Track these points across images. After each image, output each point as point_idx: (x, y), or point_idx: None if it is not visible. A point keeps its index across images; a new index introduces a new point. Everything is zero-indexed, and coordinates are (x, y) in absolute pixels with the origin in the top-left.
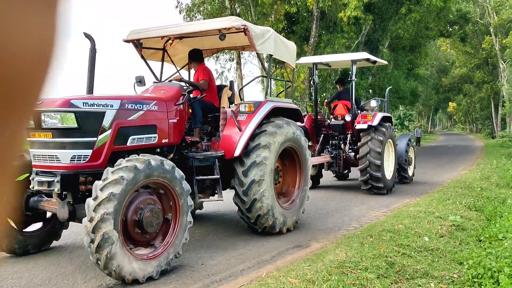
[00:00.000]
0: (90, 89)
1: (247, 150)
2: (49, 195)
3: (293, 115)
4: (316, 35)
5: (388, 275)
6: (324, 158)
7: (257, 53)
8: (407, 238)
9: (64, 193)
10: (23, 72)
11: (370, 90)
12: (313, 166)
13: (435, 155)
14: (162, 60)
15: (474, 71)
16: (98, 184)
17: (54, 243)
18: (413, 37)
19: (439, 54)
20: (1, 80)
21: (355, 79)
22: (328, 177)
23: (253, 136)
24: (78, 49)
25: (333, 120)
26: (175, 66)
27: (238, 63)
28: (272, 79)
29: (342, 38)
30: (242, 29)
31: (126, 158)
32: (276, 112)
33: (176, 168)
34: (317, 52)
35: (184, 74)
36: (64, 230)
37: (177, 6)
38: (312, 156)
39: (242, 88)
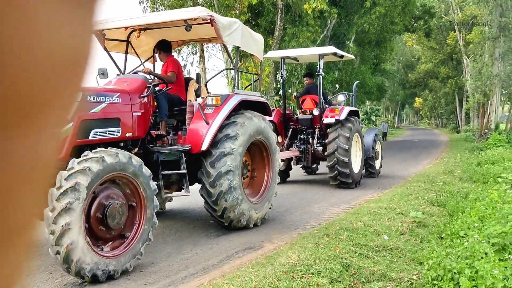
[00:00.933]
0: None
1: (215, 141)
2: None
3: (262, 108)
4: (281, 28)
5: (342, 279)
6: (293, 152)
7: (223, 45)
8: (365, 237)
9: None
10: (57, 77)
11: (337, 85)
12: (282, 160)
13: (401, 149)
14: (126, 52)
15: (439, 66)
16: (63, 173)
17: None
18: (378, 32)
19: (406, 50)
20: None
21: (323, 73)
22: (298, 171)
23: (221, 127)
24: None
25: (301, 114)
26: (139, 58)
27: (202, 56)
28: (239, 72)
29: (307, 32)
30: (209, 20)
31: (94, 150)
32: (244, 106)
33: (144, 166)
34: (282, 45)
35: (148, 66)
36: None
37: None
38: (281, 150)
39: (208, 81)
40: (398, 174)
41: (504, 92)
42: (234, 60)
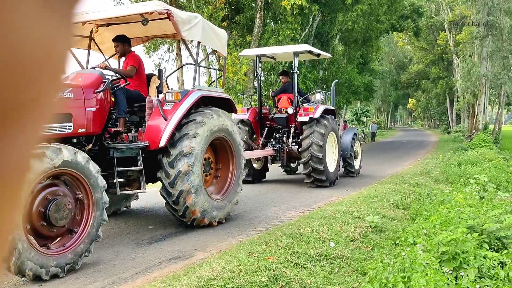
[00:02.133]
0: None
1: (174, 140)
2: None
3: (225, 105)
4: (260, 25)
5: None
6: (267, 151)
7: (183, 40)
8: (308, 244)
9: None
10: (34, 77)
11: (323, 85)
12: (258, 160)
13: (387, 150)
14: (89, 48)
15: (430, 67)
16: None
17: None
18: (363, 31)
19: (398, 51)
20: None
21: (298, 71)
22: (277, 171)
23: (180, 126)
24: None
25: (277, 113)
26: (103, 55)
27: (178, 54)
28: (200, 67)
29: (287, 29)
30: (166, 14)
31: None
32: (207, 102)
33: (91, 161)
34: (261, 43)
35: (113, 63)
36: None
37: None
38: (256, 149)
39: (167, 77)
40: (376, 175)
41: (494, 93)
42: (195, 55)
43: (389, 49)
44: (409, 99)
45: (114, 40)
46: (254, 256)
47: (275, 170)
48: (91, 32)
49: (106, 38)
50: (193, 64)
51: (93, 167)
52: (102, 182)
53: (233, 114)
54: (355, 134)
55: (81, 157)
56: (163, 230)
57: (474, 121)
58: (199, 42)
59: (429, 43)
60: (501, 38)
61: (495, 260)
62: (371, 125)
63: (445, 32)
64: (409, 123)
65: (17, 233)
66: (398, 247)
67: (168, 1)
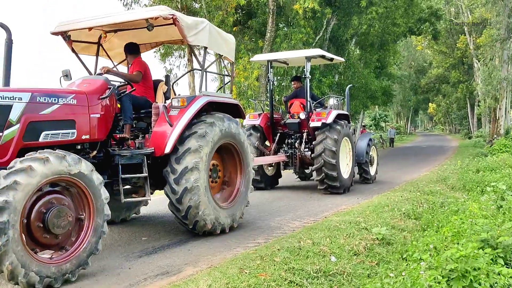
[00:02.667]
0: (6, 82)
1: (182, 138)
2: None
3: (234, 110)
4: (273, 30)
5: None
6: (279, 157)
7: (190, 46)
8: (306, 259)
9: None
10: None
11: (339, 90)
12: (271, 166)
13: (405, 155)
14: (97, 55)
15: (450, 71)
16: (3, 172)
17: None
18: (380, 34)
19: (417, 55)
20: None
21: (310, 76)
22: (291, 177)
23: (188, 126)
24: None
25: (289, 118)
26: (112, 61)
27: (190, 60)
28: (207, 73)
29: (299, 33)
30: (171, 19)
31: (40, 150)
32: (216, 108)
33: (96, 172)
34: (273, 47)
35: (123, 69)
36: None
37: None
38: (268, 155)
39: (174, 82)
40: (392, 181)
41: None
42: (201, 61)
43: (408, 53)
44: (430, 104)
45: (126, 50)
46: (246, 273)
47: (289, 176)
48: (99, 38)
49: (114, 45)
50: (200, 70)
51: (97, 177)
52: (105, 193)
53: (244, 119)
54: (370, 139)
55: (86, 166)
56: (156, 241)
57: (495, 126)
58: (205, 48)
59: (448, 47)
60: None
61: (511, 277)
62: (389, 130)
63: (465, 35)
64: (430, 128)
65: (12, 236)
66: (405, 262)
67: (179, 7)
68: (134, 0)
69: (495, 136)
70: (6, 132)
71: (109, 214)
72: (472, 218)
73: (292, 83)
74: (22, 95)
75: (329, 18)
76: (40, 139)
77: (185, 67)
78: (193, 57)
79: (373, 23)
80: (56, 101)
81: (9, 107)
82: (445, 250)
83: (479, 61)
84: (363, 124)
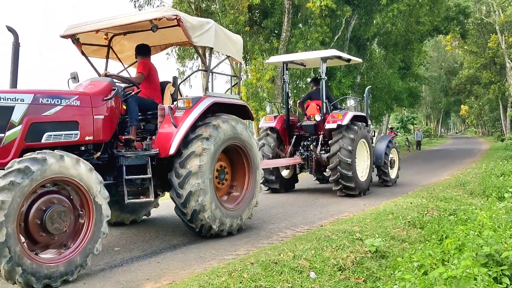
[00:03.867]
0: (13, 84)
1: (186, 141)
2: None
3: (241, 112)
4: (288, 30)
5: None
6: (294, 159)
7: (195, 47)
8: (280, 275)
9: None
10: None
11: (360, 91)
12: (287, 168)
13: (430, 159)
14: (107, 57)
15: (481, 71)
16: (0, 173)
17: None
18: (403, 33)
19: (447, 56)
20: None
21: (325, 77)
22: (309, 179)
23: (193, 128)
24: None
25: (306, 120)
26: (122, 64)
27: (203, 62)
28: (213, 73)
29: (315, 32)
30: (175, 20)
31: (38, 151)
32: (222, 109)
33: (95, 171)
34: (289, 47)
35: (133, 71)
36: None
37: (132, 1)
38: (284, 158)
39: (180, 84)
40: (411, 184)
41: None
42: (207, 62)
43: (438, 54)
44: (462, 106)
45: (136, 52)
46: None
47: (307, 179)
48: (109, 41)
49: (124, 47)
50: (205, 71)
51: (96, 177)
52: (105, 193)
53: (260, 121)
54: (390, 141)
55: (84, 165)
56: (127, 253)
57: None
58: (211, 48)
59: (479, 46)
60: None
61: None
62: (416, 132)
63: (496, 34)
64: (462, 130)
65: (8, 236)
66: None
67: (192, 7)
68: (146, 2)
69: None
70: (8, 133)
71: (108, 215)
72: (479, 228)
73: (312, 84)
74: (25, 97)
75: (348, 16)
76: (43, 140)
77: (198, 68)
78: (199, 57)
79: (396, 21)
80: (59, 103)
81: (12, 108)
82: (433, 268)
83: (511, 61)
84: (390, 126)
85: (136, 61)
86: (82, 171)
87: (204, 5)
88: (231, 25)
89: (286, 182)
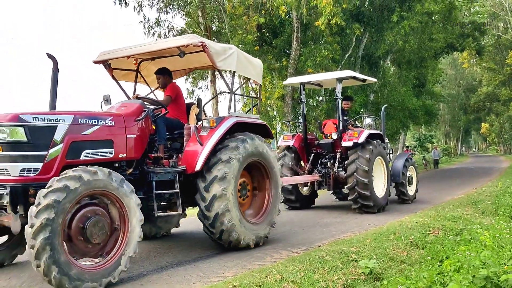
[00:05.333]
0: (52, 106)
1: (209, 165)
2: (6, 209)
3: (262, 131)
4: (297, 48)
5: None
6: (312, 177)
7: (218, 71)
8: None
9: (14, 206)
10: None
11: (373, 108)
12: (306, 185)
13: (448, 177)
14: (135, 81)
15: (500, 88)
16: (42, 191)
17: (19, 258)
18: (416, 50)
19: (465, 73)
20: None
21: (341, 97)
22: (330, 197)
23: (215, 151)
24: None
25: (323, 139)
26: (149, 87)
27: (212, 81)
28: (236, 95)
29: (325, 50)
30: (200, 46)
31: (74, 169)
32: (243, 129)
33: (126, 181)
34: (298, 66)
35: (159, 94)
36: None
37: (142, 22)
38: (302, 175)
39: (204, 105)
40: (429, 201)
41: None
42: (230, 84)
43: (456, 71)
44: (482, 124)
45: (156, 73)
46: None
47: (326, 197)
48: (138, 66)
49: (151, 71)
50: (229, 93)
51: (127, 186)
52: (137, 200)
53: (279, 140)
54: (407, 159)
55: (116, 177)
56: None
57: None
58: (234, 72)
59: (497, 63)
60: None
61: None
62: (433, 151)
63: None
64: (484, 148)
65: (56, 250)
66: None
67: (202, 28)
68: (156, 23)
69: None
70: (51, 150)
71: (142, 219)
72: (480, 249)
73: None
74: (66, 118)
75: (359, 34)
76: (81, 157)
77: (207, 88)
78: (223, 80)
79: (408, 38)
80: (96, 123)
81: (54, 128)
82: None
83: None
84: (406, 145)
85: (162, 86)
86: (114, 183)
87: (214, 27)
88: (240, 45)
89: (305, 199)
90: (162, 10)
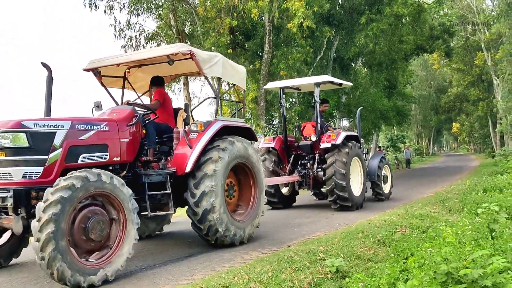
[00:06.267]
0: (47, 113)
1: (198, 164)
2: (7, 212)
3: (247, 134)
4: (270, 51)
5: None
6: (292, 177)
7: (205, 77)
8: None
9: (16, 208)
10: None
11: (345, 110)
12: (286, 185)
13: (418, 177)
14: (123, 87)
15: (469, 88)
16: (50, 189)
17: (14, 260)
18: (386, 52)
19: (436, 74)
20: None
21: (319, 101)
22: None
23: (204, 152)
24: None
25: (302, 141)
26: (136, 93)
27: (185, 83)
28: (221, 100)
29: (297, 53)
30: (189, 54)
31: (79, 170)
32: (229, 132)
33: (125, 185)
34: (271, 68)
35: (146, 100)
36: (24, 248)
37: (113, 25)
38: (283, 176)
39: (192, 110)
40: (403, 199)
41: None
42: (216, 89)
43: (426, 73)
44: (453, 124)
45: (151, 83)
46: None
47: (307, 195)
48: (125, 73)
49: (138, 78)
50: (215, 98)
51: (127, 190)
52: (134, 204)
53: (260, 142)
54: (382, 158)
55: (117, 181)
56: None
57: None
58: (219, 78)
59: (466, 64)
60: None
61: None
62: (405, 151)
63: (482, 52)
64: (455, 148)
65: (60, 244)
66: None
67: (174, 31)
68: (127, 26)
69: None
70: (51, 155)
71: (139, 223)
72: (444, 245)
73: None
74: (64, 123)
75: (330, 37)
76: (79, 161)
77: (180, 91)
78: (210, 86)
79: (378, 41)
80: (92, 128)
81: (54, 134)
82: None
83: (498, 78)
84: (379, 145)
85: (148, 90)
86: (116, 185)
87: (187, 30)
88: (213, 47)
89: (286, 198)
90: (133, 13)
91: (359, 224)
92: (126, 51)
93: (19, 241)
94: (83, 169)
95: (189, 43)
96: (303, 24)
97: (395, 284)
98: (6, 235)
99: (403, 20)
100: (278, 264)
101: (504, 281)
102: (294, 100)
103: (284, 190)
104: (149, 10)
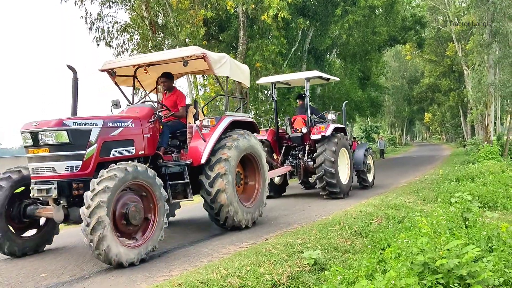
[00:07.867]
0: (74, 113)
1: (213, 151)
2: (45, 203)
3: (251, 127)
4: (244, 43)
5: None
6: (285, 168)
7: (215, 76)
8: None
9: (58, 199)
10: None
11: (321, 102)
12: (278, 176)
13: (392, 166)
14: (133, 86)
15: (441, 79)
16: (95, 180)
17: (47, 247)
18: (359, 44)
19: (409, 65)
20: None
21: (309, 95)
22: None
23: (218, 140)
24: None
25: (293, 133)
26: (144, 90)
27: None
28: (228, 97)
29: (272, 44)
30: (202, 56)
31: (119, 163)
32: (236, 126)
33: (157, 176)
34: (246, 60)
35: (153, 96)
36: (55, 236)
37: (84, 17)
38: (276, 167)
39: (204, 106)
40: (385, 186)
41: (509, 102)
42: (225, 88)
43: (399, 63)
44: (425, 114)
45: (161, 76)
46: None
47: (297, 185)
48: (135, 72)
49: (146, 76)
50: (223, 95)
51: (158, 181)
52: (164, 192)
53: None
54: (367, 149)
55: (150, 172)
56: (54, 278)
57: (486, 132)
58: (227, 77)
59: (438, 55)
60: (507, 45)
61: None
62: (379, 141)
63: (453, 42)
64: (427, 137)
65: (106, 228)
66: None
67: (146, 23)
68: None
69: (486, 143)
70: (88, 150)
71: (168, 209)
72: (420, 236)
73: (298, 101)
74: (98, 121)
75: (304, 28)
76: (111, 155)
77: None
78: (219, 84)
79: (352, 32)
80: (121, 125)
81: (90, 131)
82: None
83: (468, 68)
84: (354, 136)
85: (155, 88)
86: (150, 176)
87: (159, 21)
88: (188, 39)
89: (278, 188)
90: (105, 4)
91: (336, 215)
92: (98, 45)
93: (52, 229)
94: (122, 162)
95: (162, 35)
96: (278, 16)
97: (373, 275)
98: (40, 224)
99: (376, 11)
100: (256, 257)
101: (479, 270)
102: (269, 91)
103: (276, 179)
104: (122, 1)
